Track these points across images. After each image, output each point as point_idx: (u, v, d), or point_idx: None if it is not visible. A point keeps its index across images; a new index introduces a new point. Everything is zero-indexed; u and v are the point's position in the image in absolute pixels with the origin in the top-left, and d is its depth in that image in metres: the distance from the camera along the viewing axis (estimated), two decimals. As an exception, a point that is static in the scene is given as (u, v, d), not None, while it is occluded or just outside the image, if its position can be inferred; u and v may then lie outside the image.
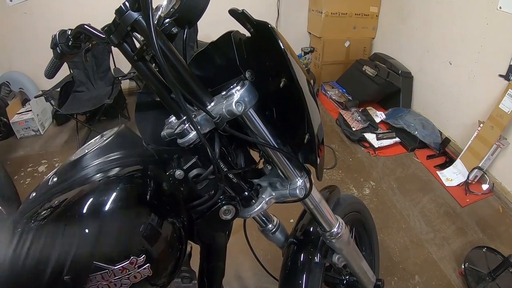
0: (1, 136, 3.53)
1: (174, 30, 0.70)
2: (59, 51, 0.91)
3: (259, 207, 0.88)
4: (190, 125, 0.72)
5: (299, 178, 0.89)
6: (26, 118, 3.54)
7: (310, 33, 4.67)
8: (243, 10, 0.69)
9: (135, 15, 0.64)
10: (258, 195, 0.90)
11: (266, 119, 0.79)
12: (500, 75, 2.80)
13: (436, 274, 2.20)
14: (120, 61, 3.84)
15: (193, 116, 0.72)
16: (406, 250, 2.36)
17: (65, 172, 0.75)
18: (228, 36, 0.77)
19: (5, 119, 3.53)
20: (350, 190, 2.91)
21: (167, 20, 0.70)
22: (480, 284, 2.06)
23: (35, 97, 3.42)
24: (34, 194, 0.74)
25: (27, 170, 3.09)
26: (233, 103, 0.69)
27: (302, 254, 1.18)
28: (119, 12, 0.65)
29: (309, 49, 4.12)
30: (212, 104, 0.73)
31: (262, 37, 0.70)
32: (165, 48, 0.67)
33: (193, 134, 0.72)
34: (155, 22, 0.69)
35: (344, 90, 4.30)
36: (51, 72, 1.01)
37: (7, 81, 3.74)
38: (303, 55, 4.12)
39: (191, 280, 0.94)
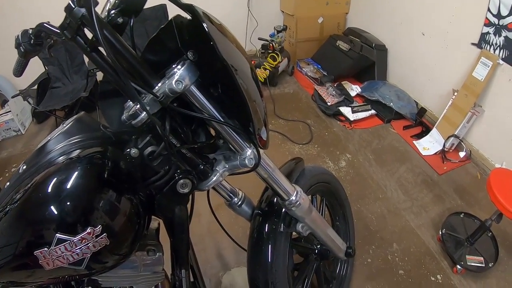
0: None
1: (120, 20, 0.75)
2: (22, 50, 0.94)
3: (214, 179, 0.93)
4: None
5: (248, 148, 0.93)
6: (6, 119, 3.47)
7: (283, 11, 4.60)
8: None
9: (82, 10, 0.67)
10: (213, 168, 0.95)
11: (211, 95, 0.84)
12: (473, 44, 2.79)
13: (414, 242, 2.21)
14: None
15: (143, 98, 0.79)
16: (383, 219, 2.36)
17: (33, 159, 0.82)
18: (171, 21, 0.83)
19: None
20: (326, 164, 2.89)
21: (112, 12, 0.75)
22: (459, 249, 2.07)
23: (12, 97, 3.37)
24: (8, 183, 0.82)
25: (11, 170, 3.04)
26: (173, 82, 0.75)
27: (267, 225, 1.22)
28: (68, 9, 0.67)
29: (281, 27, 4.06)
30: (159, 85, 0.76)
31: (194, 18, 0.74)
32: (112, 38, 0.71)
33: (144, 114, 0.77)
34: (106, 14, 0.76)
35: (319, 66, 4.27)
36: (18, 70, 1.03)
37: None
38: (276, 33, 4.06)
39: (156, 253, 0.98)
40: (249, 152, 0.92)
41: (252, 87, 0.86)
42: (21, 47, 0.93)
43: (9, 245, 0.69)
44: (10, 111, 3.49)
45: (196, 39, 0.78)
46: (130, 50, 0.74)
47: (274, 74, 4.00)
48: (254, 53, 4.45)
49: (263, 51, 4.07)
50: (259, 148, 0.94)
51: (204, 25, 0.71)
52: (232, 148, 0.93)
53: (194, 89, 0.80)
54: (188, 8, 0.73)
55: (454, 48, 3.00)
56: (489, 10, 2.57)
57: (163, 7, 3.63)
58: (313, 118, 3.53)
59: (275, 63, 3.93)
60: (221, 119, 0.86)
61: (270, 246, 1.18)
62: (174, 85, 0.74)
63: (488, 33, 2.63)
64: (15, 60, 0.99)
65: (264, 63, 3.92)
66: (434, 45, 3.19)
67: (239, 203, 1.23)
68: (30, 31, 0.91)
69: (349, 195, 1.77)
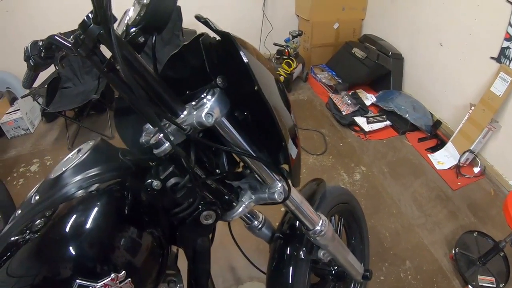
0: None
1: (141, 39, 0.68)
2: (32, 63, 0.89)
3: (239, 211, 0.89)
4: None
5: (277, 182, 0.89)
6: (15, 117, 3.48)
7: (298, 15, 4.57)
8: (205, 19, 0.68)
9: (99, 28, 0.61)
10: (239, 198, 0.91)
11: (240, 125, 0.78)
12: (492, 58, 2.75)
13: (427, 259, 2.19)
14: (106, 53, 3.71)
15: (166, 126, 0.73)
16: (397, 236, 2.35)
17: (47, 190, 0.76)
18: (198, 40, 0.75)
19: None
20: (341, 176, 2.88)
21: (133, 29, 0.68)
22: (471, 268, 2.06)
23: (22, 96, 3.36)
24: (19, 211, 0.76)
25: (20, 170, 3.05)
26: (203, 115, 0.68)
27: (288, 249, 1.20)
28: (83, 26, 0.61)
29: (297, 32, 4.03)
30: (185, 113, 0.72)
31: (227, 44, 0.68)
32: (131, 59, 0.65)
33: (167, 144, 0.71)
34: (124, 29, 0.70)
35: (334, 73, 4.24)
36: (27, 83, 0.99)
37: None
38: (291, 38, 4.03)
39: (177, 284, 0.94)
40: (279, 186, 0.88)
41: (282, 108, 0.80)
42: (30, 61, 0.88)
43: (28, 276, 0.63)
44: (19, 110, 3.51)
45: (227, 64, 0.72)
46: (153, 75, 0.69)
47: (289, 80, 3.98)
48: (268, 58, 4.42)
49: (278, 56, 4.04)
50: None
51: (244, 58, 0.65)
52: (260, 180, 0.89)
53: (224, 121, 0.73)
54: (224, 35, 0.68)
55: (472, 61, 2.96)
56: (510, 24, 2.53)
57: (177, 9, 3.61)
58: (328, 127, 3.52)
59: (290, 69, 3.91)
60: (253, 154, 0.81)
61: (291, 270, 1.16)
62: (204, 118, 0.68)
63: (508, 47, 2.60)
64: (25, 72, 0.95)
65: (279, 69, 3.89)
66: (452, 56, 3.15)
67: (259, 226, 1.19)
68: (40, 43, 0.86)
69: (364, 209, 1.76)
